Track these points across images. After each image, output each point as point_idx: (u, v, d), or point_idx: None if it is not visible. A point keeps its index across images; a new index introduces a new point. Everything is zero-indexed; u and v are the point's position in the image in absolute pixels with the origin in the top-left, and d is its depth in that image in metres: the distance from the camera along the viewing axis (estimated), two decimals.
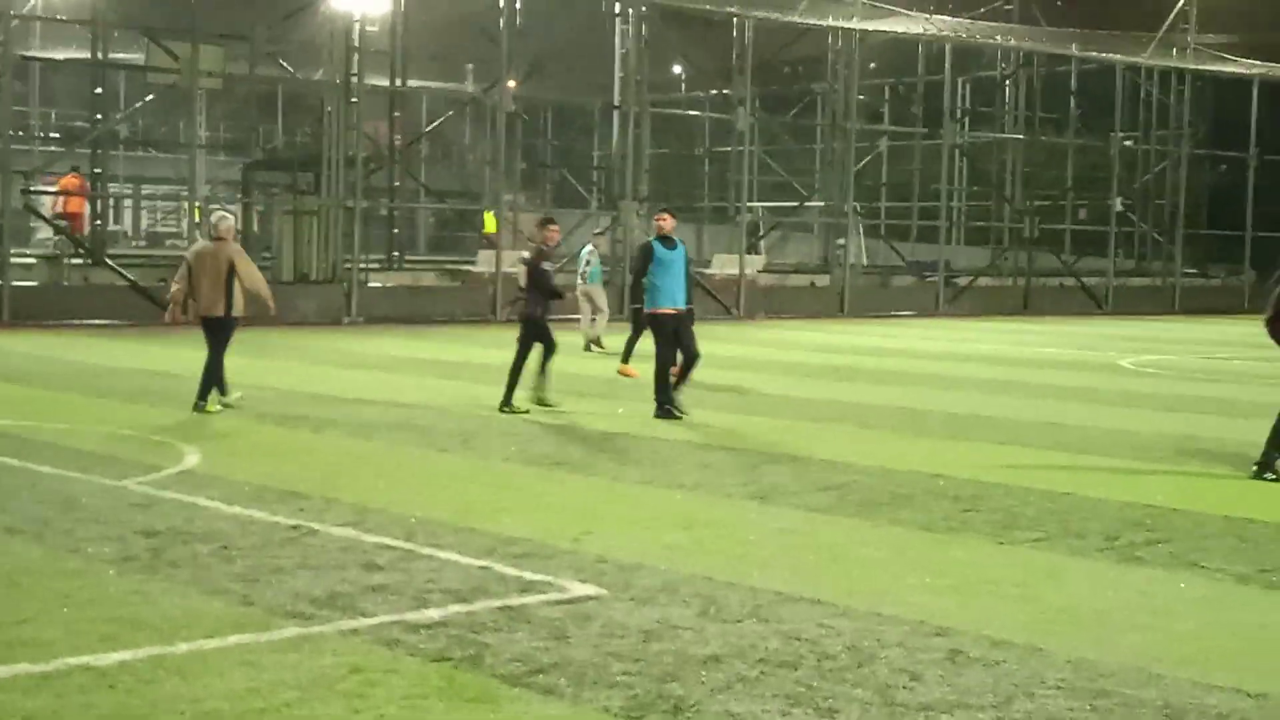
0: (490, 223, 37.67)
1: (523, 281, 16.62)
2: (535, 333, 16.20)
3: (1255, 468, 12.66)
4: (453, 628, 7.29)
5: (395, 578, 8.30)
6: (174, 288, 15.81)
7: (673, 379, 16.00)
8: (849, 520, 10.43)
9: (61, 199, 35.04)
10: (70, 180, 34.79)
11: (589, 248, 25.86)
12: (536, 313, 16.20)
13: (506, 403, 16.06)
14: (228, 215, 16.50)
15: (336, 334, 27.43)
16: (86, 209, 35.00)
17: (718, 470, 12.48)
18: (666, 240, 16.30)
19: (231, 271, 15.45)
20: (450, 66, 46.06)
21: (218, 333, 15.66)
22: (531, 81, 41.73)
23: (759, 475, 12.24)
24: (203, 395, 15.50)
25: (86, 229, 34.24)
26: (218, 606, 7.62)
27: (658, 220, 16.69)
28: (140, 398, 16.85)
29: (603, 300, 25.26)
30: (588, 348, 24.36)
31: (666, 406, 15.85)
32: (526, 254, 17.08)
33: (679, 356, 16.20)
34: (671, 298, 16.09)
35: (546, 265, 16.35)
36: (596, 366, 21.62)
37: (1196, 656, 7.16)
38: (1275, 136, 48.73)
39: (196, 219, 34.21)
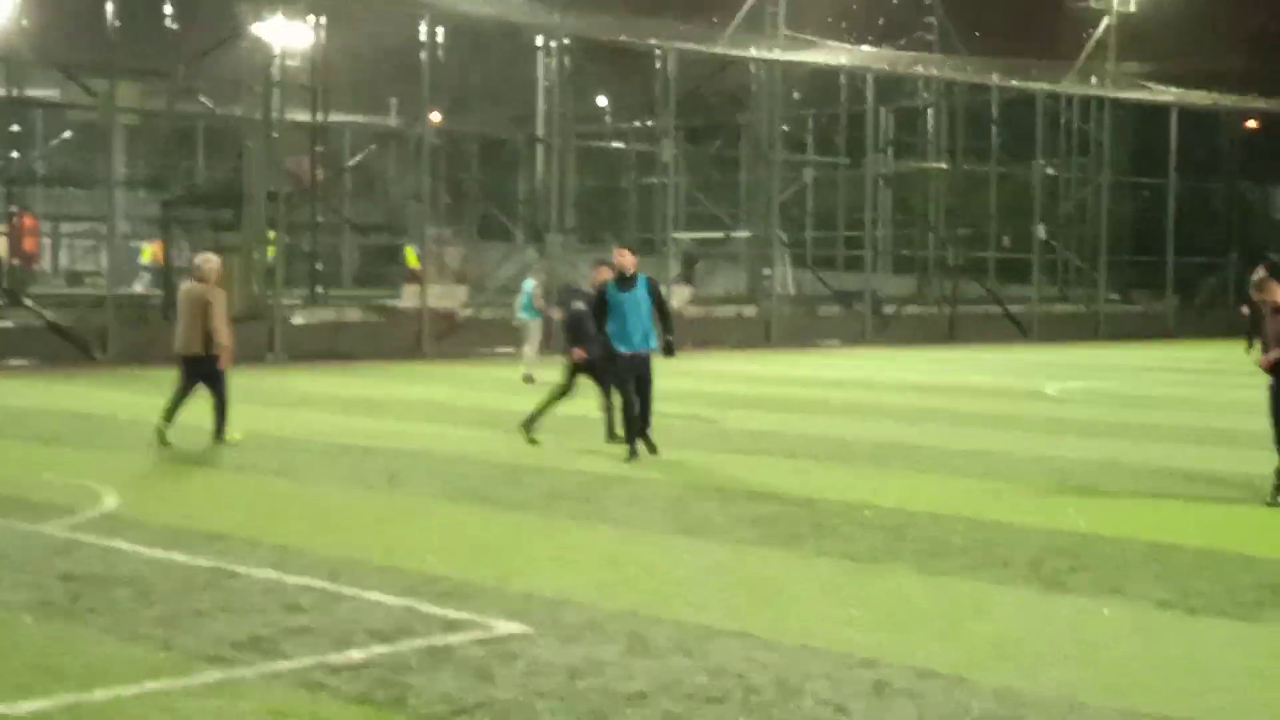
0: (411, 257, 37.66)
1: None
2: (591, 371, 16.30)
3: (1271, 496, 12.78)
4: (375, 669, 7.20)
5: (318, 619, 8.19)
6: None
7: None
8: (776, 553, 10.41)
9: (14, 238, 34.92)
10: (26, 220, 34.63)
11: (530, 281, 26.10)
12: (592, 351, 16.13)
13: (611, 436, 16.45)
14: (212, 258, 16.52)
15: (259, 371, 27.16)
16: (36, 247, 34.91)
17: (645, 505, 12.44)
18: (623, 281, 15.33)
19: (207, 312, 15.59)
20: (372, 100, 45.92)
21: (197, 371, 15.82)
22: (455, 115, 41.65)
23: (687, 509, 12.21)
24: (220, 429, 15.86)
25: (36, 266, 34.10)
26: (137, 652, 7.49)
27: (616, 258, 15.47)
28: (59, 440, 16.62)
29: (536, 333, 25.41)
30: (527, 379, 24.30)
31: (631, 448, 15.30)
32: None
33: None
34: (627, 340, 15.29)
35: (578, 304, 16.45)
36: (526, 401, 21.49)
37: (1121, 684, 7.18)
38: (1194, 163, 49.49)
39: (147, 259, 33.92)
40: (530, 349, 25.20)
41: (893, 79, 46.04)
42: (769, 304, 39.54)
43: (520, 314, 25.68)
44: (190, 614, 8.28)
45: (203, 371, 15.79)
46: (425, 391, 23.36)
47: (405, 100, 41.50)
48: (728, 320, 39.93)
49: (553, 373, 22.98)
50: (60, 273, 46.43)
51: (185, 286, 16.20)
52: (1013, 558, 10.20)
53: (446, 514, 12.00)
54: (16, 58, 32.66)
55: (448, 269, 37.94)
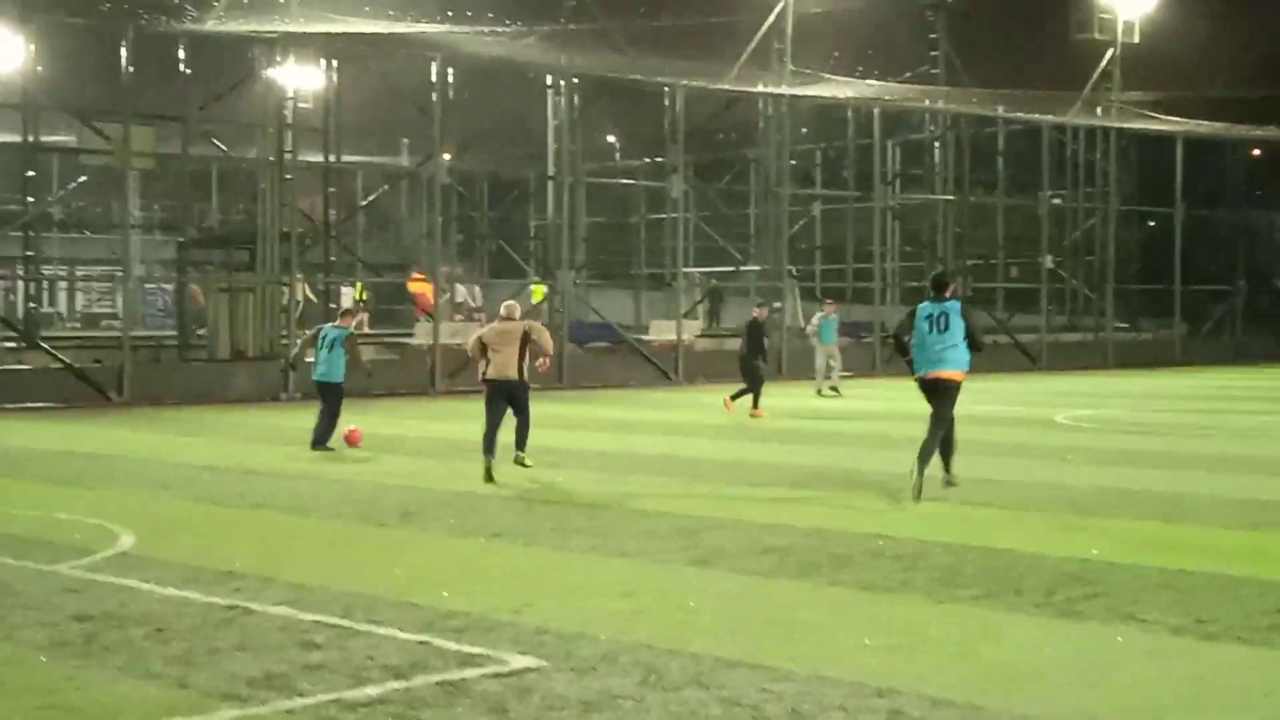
0: (538, 294, 38.95)
1: None
2: None
3: None
4: (391, 705, 7.23)
5: (333, 656, 8.22)
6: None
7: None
8: (789, 583, 10.43)
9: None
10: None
11: (820, 313, 32.19)
12: None
13: None
14: (514, 304, 17.47)
15: (273, 411, 27.24)
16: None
17: (658, 536, 12.45)
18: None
19: (525, 342, 16.67)
20: (384, 140, 46.14)
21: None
22: (466, 154, 41.87)
23: (699, 540, 12.23)
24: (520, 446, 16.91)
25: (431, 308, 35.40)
26: (152, 691, 7.52)
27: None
28: (76, 481, 16.67)
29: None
30: (820, 392, 30.99)
31: None
32: None
33: None
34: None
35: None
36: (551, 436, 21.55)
37: (1136, 710, 7.19)
38: (1201, 191, 49.57)
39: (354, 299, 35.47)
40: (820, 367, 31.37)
41: (899, 112, 46.18)
42: (779, 337, 39.53)
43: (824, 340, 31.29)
44: (206, 652, 8.31)
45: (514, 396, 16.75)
46: (438, 428, 23.39)
47: (417, 140, 41.70)
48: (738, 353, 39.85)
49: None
50: (77, 315, 46.61)
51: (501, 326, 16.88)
52: (1026, 585, 10.21)
53: (460, 549, 12.03)
54: (32, 104, 32.86)
55: (464, 306, 38.06)
